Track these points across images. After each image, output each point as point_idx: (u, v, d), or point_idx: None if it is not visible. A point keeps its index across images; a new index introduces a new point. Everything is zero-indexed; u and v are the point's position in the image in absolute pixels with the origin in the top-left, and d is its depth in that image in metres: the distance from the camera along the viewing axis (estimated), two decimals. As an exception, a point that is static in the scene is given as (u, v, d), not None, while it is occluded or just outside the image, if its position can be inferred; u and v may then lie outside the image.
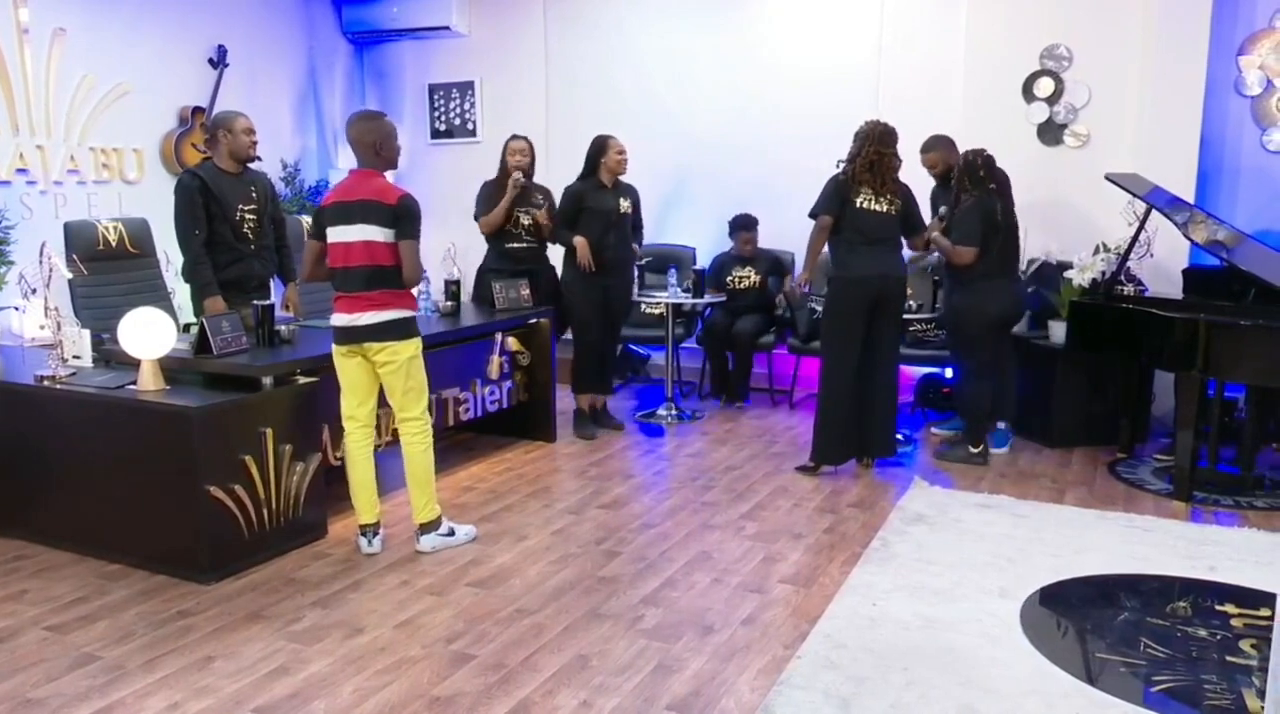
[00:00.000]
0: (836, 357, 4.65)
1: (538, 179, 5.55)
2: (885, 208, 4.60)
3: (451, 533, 3.76)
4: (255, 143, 4.42)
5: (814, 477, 4.68)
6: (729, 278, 6.15)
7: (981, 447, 4.90)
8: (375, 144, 3.57)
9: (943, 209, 5.01)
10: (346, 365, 3.62)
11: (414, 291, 3.72)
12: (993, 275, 4.74)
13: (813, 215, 4.63)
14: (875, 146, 4.57)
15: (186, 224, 4.28)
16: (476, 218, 5.36)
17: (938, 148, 5.18)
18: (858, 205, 4.56)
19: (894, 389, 4.77)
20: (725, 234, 6.21)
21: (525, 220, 5.32)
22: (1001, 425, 5.15)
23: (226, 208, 4.34)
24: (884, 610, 3.17)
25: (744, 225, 6.10)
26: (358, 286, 3.52)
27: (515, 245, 5.36)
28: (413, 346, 3.61)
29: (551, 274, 5.46)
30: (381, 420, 3.94)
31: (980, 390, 4.86)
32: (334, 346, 3.62)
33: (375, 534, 3.71)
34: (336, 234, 3.54)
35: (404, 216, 3.51)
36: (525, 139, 5.38)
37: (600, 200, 5.22)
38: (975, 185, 4.76)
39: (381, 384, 3.65)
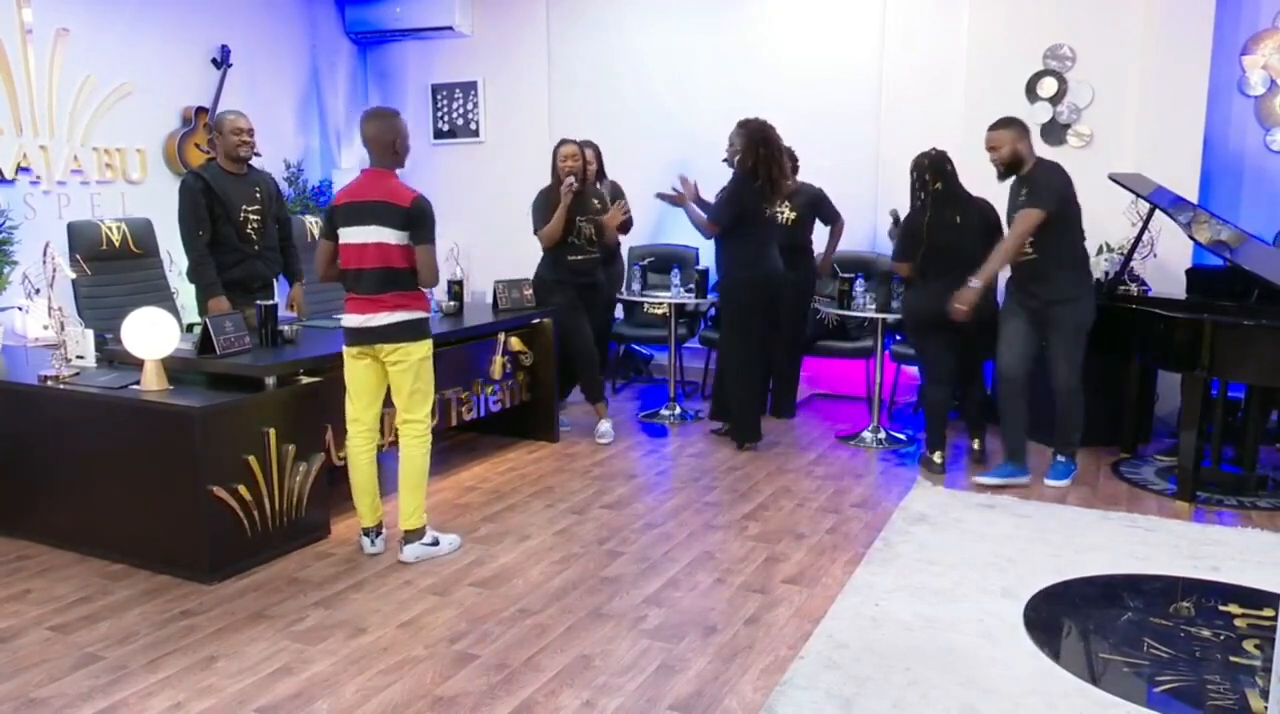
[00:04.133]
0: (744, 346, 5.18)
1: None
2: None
3: (436, 543, 3.69)
4: (246, 142, 4.37)
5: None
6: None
7: (938, 454, 4.69)
8: (394, 143, 3.53)
9: (894, 212, 4.92)
10: (356, 367, 3.59)
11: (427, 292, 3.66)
12: (914, 282, 4.65)
13: None
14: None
15: (190, 225, 4.29)
16: (535, 232, 5.09)
17: (1006, 127, 4.42)
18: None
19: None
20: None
21: (587, 229, 5.08)
22: (1061, 459, 4.54)
23: (230, 208, 4.35)
24: (886, 610, 3.17)
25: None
26: (371, 289, 3.48)
27: (575, 257, 5.10)
28: (424, 348, 3.59)
29: (612, 284, 5.39)
30: (384, 421, 3.90)
31: (930, 395, 4.75)
32: (345, 348, 3.59)
33: (378, 534, 3.71)
34: (349, 235, 3.50)
35: (419, 220, 3.47)
36: (576, 143, 5.12)
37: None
38: (913, 196, 4.65)
39: (389, 385, 3.63)
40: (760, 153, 4.87)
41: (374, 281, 3.48)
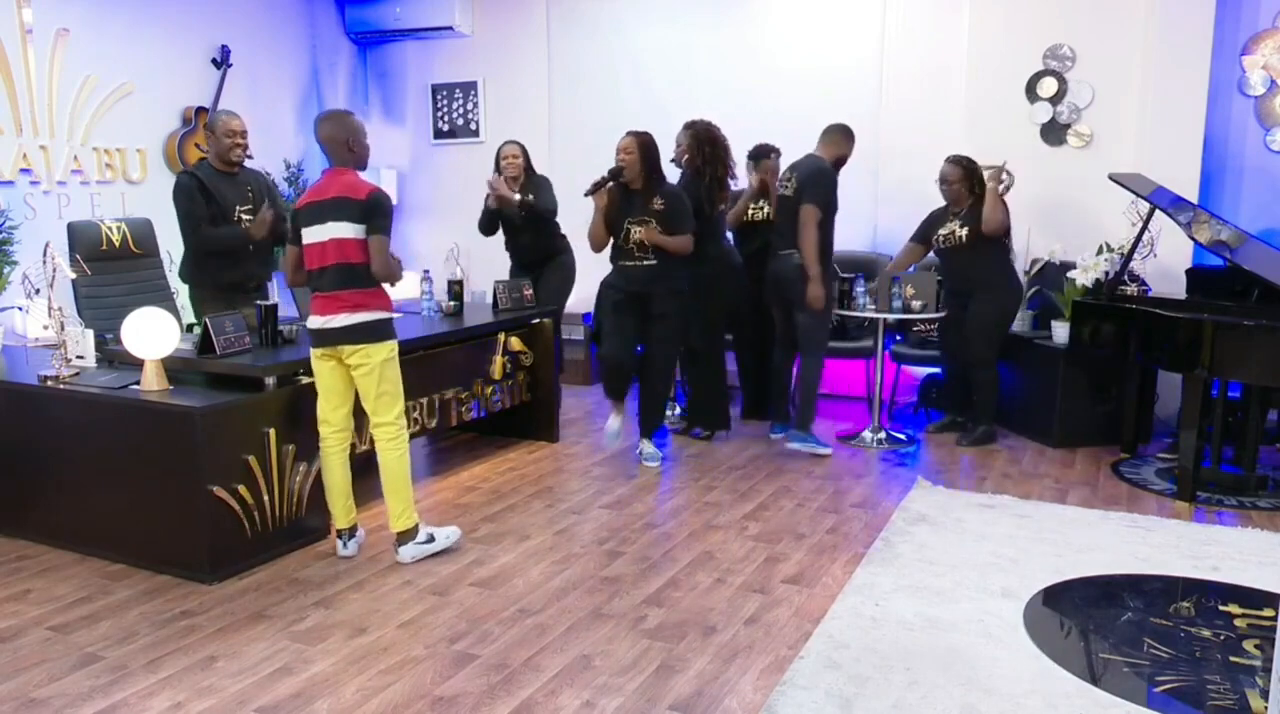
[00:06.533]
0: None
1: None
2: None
3: (431, 539, 3.67)
4: (240, 144, 4.35)
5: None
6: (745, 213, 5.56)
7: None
8: (346, 141, 3.48)
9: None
10: (322, 368, 3.55)
11: (390, 291, 3.60)
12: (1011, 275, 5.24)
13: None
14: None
15: (191, 221, 4.26)
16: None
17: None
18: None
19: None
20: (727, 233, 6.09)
21: (637, 234, 4.59)
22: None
23: (225, 208, 4.34)
24: (886, 610, 3.17)
25: (763, 153, 5.47)
26: (330, 287, 3.45)
27: (626, 263, 4.67)
28: (386, 349, 3.52)
29: (672, 298, 4.73)
30: (363, 425, 3.84)
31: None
32: (311, 349, 3.57)
33: (351, 537, 3.67)
34: (310, 235, 3.47)
35: (374, 211, 3.42)
36: (634, 135, 4.60)
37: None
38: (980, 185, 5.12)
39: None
40: (706, 152, 4.98)
41: (332, 278, 3.45)
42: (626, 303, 4.73)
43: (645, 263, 4.63)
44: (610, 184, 4.60)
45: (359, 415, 3.69)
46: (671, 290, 4.70)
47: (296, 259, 3.56)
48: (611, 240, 4.72)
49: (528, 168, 5.42)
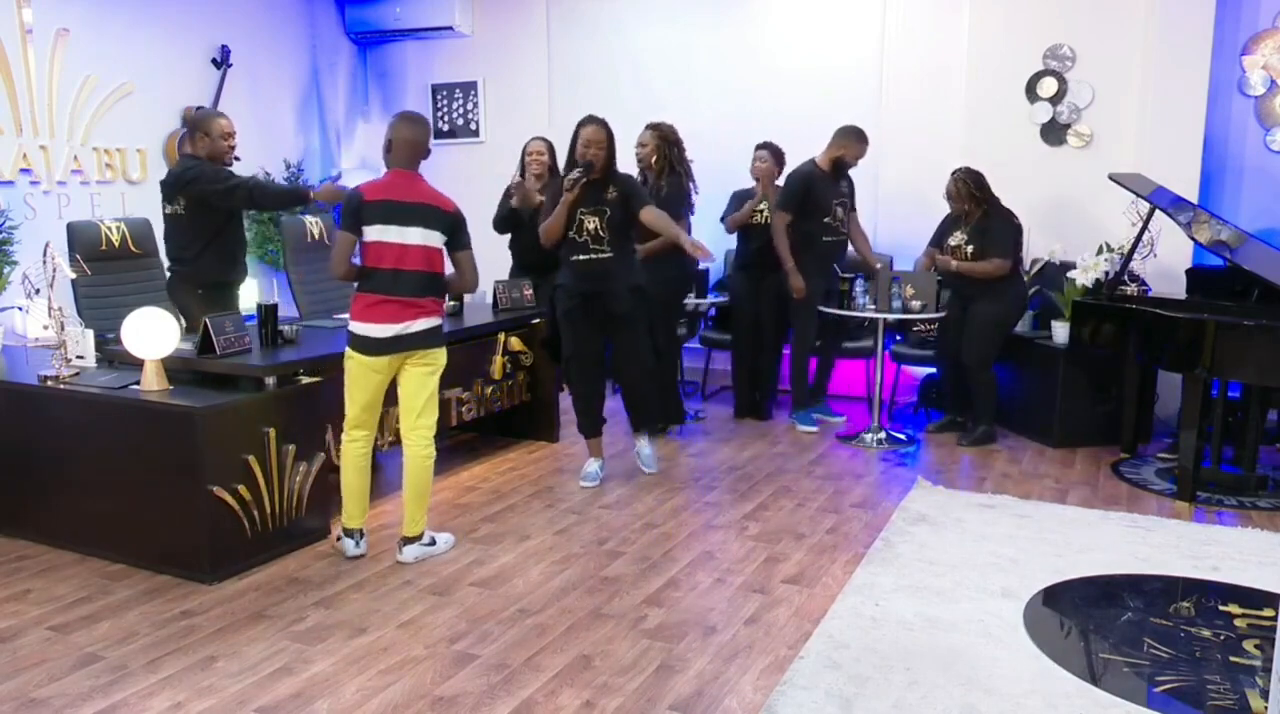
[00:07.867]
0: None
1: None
2: None
3: (433, 543, 3.68)
4: (234, 146, 4.34)
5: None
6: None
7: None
8: (427, 146, 3.56)
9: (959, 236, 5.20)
10: (373, 380, 3.50)
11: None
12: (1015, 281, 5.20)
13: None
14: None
15: (226, 176, 4.21)
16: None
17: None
18: None
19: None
20: (726, 234, 5.94)
21: (590, 224, 4.32)
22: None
23: None
24: (886, 610, 3.17)
25: (762, 145, 5.54)
26: (410, 292, 3.44)
27: (580, 257, 4.36)
28: (445, 354, 3.64)
29: (629, 296, 4.43)
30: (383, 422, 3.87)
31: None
32: (363, 356, 3.46)
33: (362, 536, 3.67)
34: (387, 233, 3.41)
35: (462, 226, 3.56)
36: (599, 124, 4.33)
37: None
38: (990, 201, 5.11)
39: (399, 391, 3.58)
40: (673, 153, 5.09)
41: (416, 284, 3.46)
42: (582, 309, 4.42)
43: (600, 255, 4.33)
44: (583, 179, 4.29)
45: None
46: (629, 287, 4.40)
47: (350, 249, 3.48)
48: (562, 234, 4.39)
49: (552, 167, 5.39)
